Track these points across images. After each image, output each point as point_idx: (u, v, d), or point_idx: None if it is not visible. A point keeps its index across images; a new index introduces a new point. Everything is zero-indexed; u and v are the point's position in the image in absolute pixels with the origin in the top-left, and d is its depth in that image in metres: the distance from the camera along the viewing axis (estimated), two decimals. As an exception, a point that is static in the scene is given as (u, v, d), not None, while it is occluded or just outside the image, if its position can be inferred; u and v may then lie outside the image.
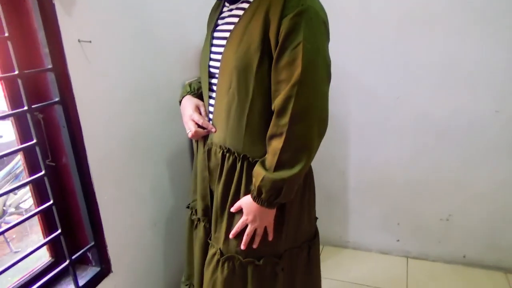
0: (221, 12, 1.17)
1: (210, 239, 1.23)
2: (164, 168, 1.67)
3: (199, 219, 1.29)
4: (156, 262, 1.68)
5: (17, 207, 2.72)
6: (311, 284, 1.32)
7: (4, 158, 2.78)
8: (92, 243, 1.29)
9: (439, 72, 1.84)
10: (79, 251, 1.26)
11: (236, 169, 1.11)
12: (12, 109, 1.09)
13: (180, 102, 1.32)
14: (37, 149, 1.08)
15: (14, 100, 1.10)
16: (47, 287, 1.24)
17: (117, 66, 1.33)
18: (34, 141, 1.06)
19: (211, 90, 1.18)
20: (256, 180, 1.03)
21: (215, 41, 1.14)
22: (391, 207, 2.13)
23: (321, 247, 2.19)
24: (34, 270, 1.24)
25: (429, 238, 2.11)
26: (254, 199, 1.05)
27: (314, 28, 0.97)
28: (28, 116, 1.04)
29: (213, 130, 1.16)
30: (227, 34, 1.09)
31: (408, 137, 1.98)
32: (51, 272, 1.19)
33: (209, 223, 1.26)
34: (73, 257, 1.21)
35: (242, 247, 1.10)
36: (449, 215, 2.03)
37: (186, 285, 1.46)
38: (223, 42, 1.10)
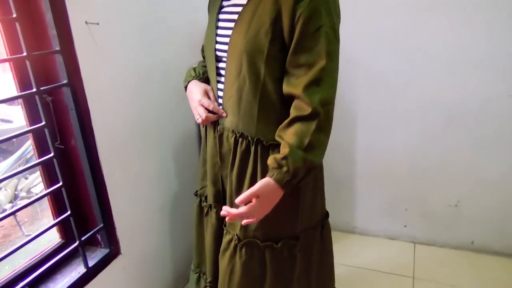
0: None
1: (224, 226, 1.22)
2: (172, 151, 1.68)
3: (210, 206, 1.28)
4: (164, 245, 1.70)
5: (28, 192, 2.76)
6: (325, 263, 1.32)
7: (15, 143, 2.82)
8: (101, 225, 1.31)
9: (449, 56, 1.80)
10: (88, 233, 1.28)
11: (250, 153, 1.10)
12: (21, 92, 1.10)
13: (186, 87, 1.29)
14: (46, 131, 1.09)
15: (23, 83, 1.11)
16: (58, 268, 1.27)
17: (124, 48, 1.33)
18: (43, 123, 1.07)
19: (218, 74, 1.15)
20: (281, 160, 0.98)
21: (221, 24, 1.11)
22: (399, 193, 2.12)
23: (328, 232, 2.20)
24: (44, 251, 1.26)
25: (437, 224, 2.10)
26: (275, 176, 0.99)
27: (331, 12, 0.97)
28: (37, 98, 1.05)
29: (224, 115, 1.14)
30: (234, 17, 1.06)
31: (417, 123, 1.96)
32: (61, 253, 1.21)
33: (221, 209, 1.25)
34: (83, 238, 1.23)
35: (243, 222, 1.04)
36: (458, 201, 2.02)
37: (196, 273, 1.45)
38: (231, 24, 1.07)
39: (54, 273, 1.24)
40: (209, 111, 1.16)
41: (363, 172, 2.16)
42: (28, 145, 2.72)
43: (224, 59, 1.10)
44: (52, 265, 1.18)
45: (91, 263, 1.28)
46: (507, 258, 2.01)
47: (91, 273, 1.27)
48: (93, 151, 1.24)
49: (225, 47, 1.09)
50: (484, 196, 1.97)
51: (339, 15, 1.04)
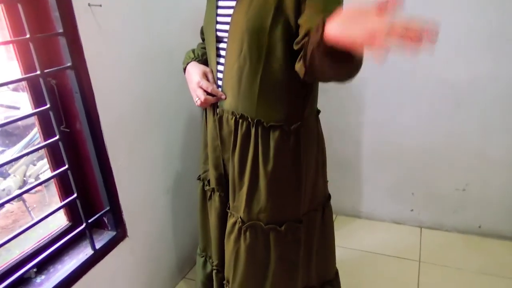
0: None
1: (228, 209, 1.23)
2: (177, 134, 1.68)
3: (213, 189, 1.28)
4: (170, 228, 1.71)
5: (36, 178, 2.79)
6: (327, 245, 1.32)
7: (22, 130, 2.84)
8: (108, 208, 1.32)
9: (458, 37, 1.77)
10: (95, 215, 1.29)
11: (251, 135, 1.09)
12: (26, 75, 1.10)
13: (185, 69, 1.27)
14: (51, 114, 1.09)
15: (27, 66, 1.11)
16: (66, 250, 1.28)
17: (127, 30, 1.32)
18: (48, 105, 1.07)
19: (218, 55, 1.13)
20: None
21: (221, 3, 1.09)
22: (406, 177, 2.11)
23: (334, 216, 2.20)
24: (52, 233, 1.27)
25: (444, 208, 2.09)
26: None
27: None
28: (41, 81, 1.05)
29: (223, 97, 1.12)
30: None
31: (425, 104, 1.93)
32: (68, 235, 1.23)
33: (224, 192, 1.25)
34: (90, 221, 1.24)
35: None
36: (466, 185, 2.00)
37: (202, 256, 1.45)
38: (232, 3, 1.05)
39: (62, 255, 1.26)
40: (208, 93, 1.14)
41: (369, 155, 2.15)
42: (35, 132, 2.74)
43: (225, 39, 1.09)
44: (60, 247, 1.20)
45: (98, 245, 1.29)
46: (514, 242, 2.00)
47: (98, 255, 1.29)
48: (98, 134, 1.24)
49: (226, 27, 1.07)
50: (492, 180, 1.95)
51: None
